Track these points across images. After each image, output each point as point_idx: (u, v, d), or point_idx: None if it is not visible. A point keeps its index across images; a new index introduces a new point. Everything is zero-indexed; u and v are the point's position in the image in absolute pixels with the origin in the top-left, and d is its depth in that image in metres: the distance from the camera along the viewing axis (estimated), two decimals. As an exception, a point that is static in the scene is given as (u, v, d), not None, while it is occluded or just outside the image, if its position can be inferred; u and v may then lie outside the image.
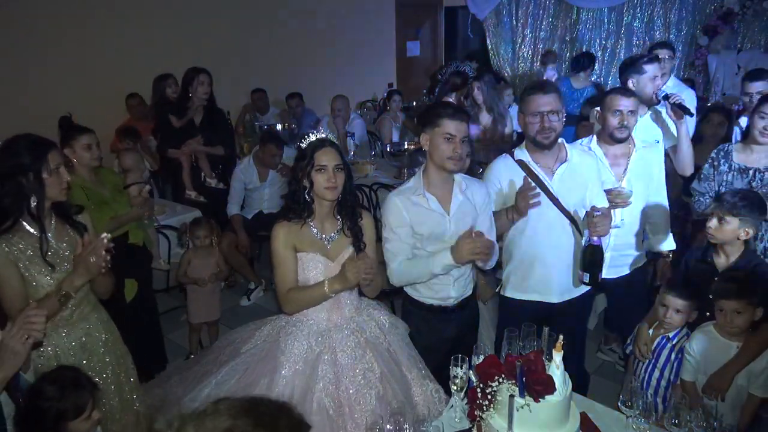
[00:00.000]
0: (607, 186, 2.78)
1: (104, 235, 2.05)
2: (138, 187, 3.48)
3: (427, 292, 2.52)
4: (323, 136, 2.27)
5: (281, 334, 2.29)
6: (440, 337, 2.53)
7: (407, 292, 2.59)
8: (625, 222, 2.89)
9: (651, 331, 2.61)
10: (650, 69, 3.26)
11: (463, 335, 2.55)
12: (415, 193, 2.42)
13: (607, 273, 2.94)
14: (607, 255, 2.92)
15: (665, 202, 3.01)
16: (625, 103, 2.77)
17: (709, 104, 5.35)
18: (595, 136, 2.95)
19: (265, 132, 5.49)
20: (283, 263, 2.25)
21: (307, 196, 2.24)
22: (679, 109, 3.11)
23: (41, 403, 1.79)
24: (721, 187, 2.99)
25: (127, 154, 3.79)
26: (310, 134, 2.26)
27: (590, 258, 2.41)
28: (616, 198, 2.76)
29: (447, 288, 2.49)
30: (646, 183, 2.90)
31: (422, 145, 2.42)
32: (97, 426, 1.95)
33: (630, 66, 3.37)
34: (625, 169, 2.87)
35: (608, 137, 2.85)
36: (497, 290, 2.86)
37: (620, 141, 2.84)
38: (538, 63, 8.23)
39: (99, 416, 1.93)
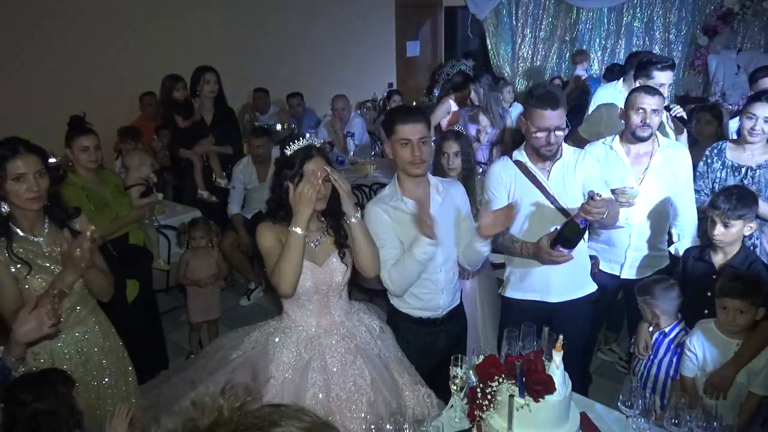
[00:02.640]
0: (619, 185, 2.77)
1: (91, 228, 2.03)
2: (139, 188, 3.47)
3: (416, 303, 2.45)
4: (309, 142, 2.17)
5: (269, 342, 2.24)
6: (430, 349, 2.48)
7: (394, 305, 2.52)
8: (630, 222, 2.86)
9: (651, 329, 2.64)
10: (658, 76, 3.28)
11: (452, 346, 2.48)
12: (392, 200, 2.38)
13: (628, 273, 2.97)
14: (628, 255, 2.93)
15: (692, 206, 2.94)
16: (648, 101, 2.75)
17: (693, 106, 5.35)
18: (617, 135, 2.93)
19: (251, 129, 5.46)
20: (274, 253, 2.14)
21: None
22: (679, 122, 3.16)
23: (40, 405, 1.74)
24: (714, 185, 3.04)
25: (133, 154, 3.77)
26: (296, 141, 2.17)
27: (567, 232, 2.29)
28: (620, 197, 2.74)
29: (437, 296, 2.45)
30: (668, 184, 2.86)
31: (387, 155, 2.38)
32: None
33: (641, 69, 3.39)
34: (646, 168, 2.84)
35: (630, 135, 2.83)
36: (498, 291, 2.86)
37: (642, 140, 2.80)
38: (564, 61, 8.26)
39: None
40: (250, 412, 0.87)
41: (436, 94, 7.26)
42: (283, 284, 2.10)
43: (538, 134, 2.43)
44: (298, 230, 2.04)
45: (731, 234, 2.50)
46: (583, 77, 7.18)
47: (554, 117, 2.39)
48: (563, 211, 2.52)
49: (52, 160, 3.94)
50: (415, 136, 2.25)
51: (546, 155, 2.48)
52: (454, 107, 5.31)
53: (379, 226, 2.34)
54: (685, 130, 3.36)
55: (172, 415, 2.09)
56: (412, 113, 2.32)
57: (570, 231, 2.29)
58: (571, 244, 2.33)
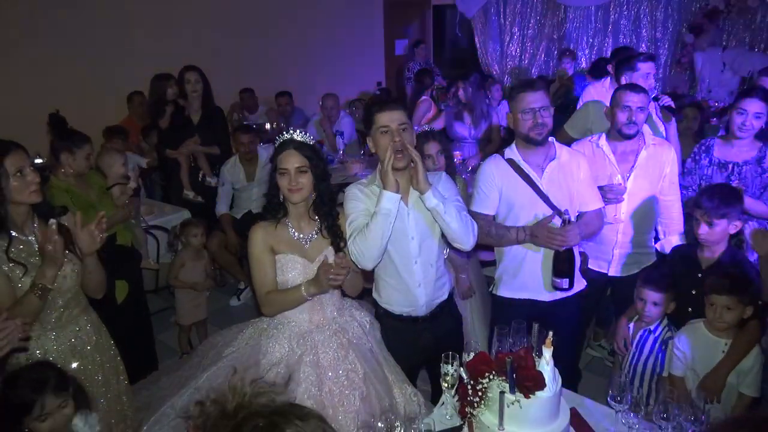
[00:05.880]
0: (606, 182, 2.80)
1: (51, 221, 2.03)
2: (120, 187, 3.44)
3: (393, 296, 2.40)
4: (289, 136, 2.21)
5: (262, 337, 2.26)
6: (412, 347, 2.42)
7: (376, 300, 2.48)
8: (619, 218, 2.88)
9: (632, 326, 2.65)
10: (643, 67, 3.33)
11: (439, 340, 2.37)
12: (371, 184, 2.35)
13: (614, 271, 2.99)
14: (615, 253, 2.95)
15: (678, 203, 2.96)
16: (633, 99, 2.77)
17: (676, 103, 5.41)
18: (604, 133, 2.95)
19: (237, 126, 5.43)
20: (261, 265, 2.22)
21: (281, 197, 2.23)
22: (668, 111, 3.19)
23: (9, 391, 1.77)
24: (702, 181, 3.05)
25: (103, 154, 3.71)
26: (283, 134, 2.22)
27: (563, 263, 2.46)
28: (608, 193, 2.78)
29: (413, 290, 2.35)
30: (654, 181, 2.88)
31: (371, 149, 2.34)
32: None
33: (624, 64, 3.43)
34: (632, 166, 2.85)
35: (617, 133, 2.85)
36: (490, 289, 2.86)
37: (628, 137, 2.82)
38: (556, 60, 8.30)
39: (51, 425, 1.82)
40: (270, 404, 1.03)
41: (408, 93, 7.22)
42: (269, 310, 2.26)
43: (524, 116, 2.45)
44: (304, 293, 2.17)
45: (716, 233, 2.50)
46: (569, 73, 7.22)
47: (536, 97, 2.43)
48: (556, 211, 2.52)
49: (38, 160, 3.93)
50: (394, 122, 2.21)
51: (536, 140, 2.47)
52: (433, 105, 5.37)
53: (352, 202, 2.32)
54: (674, 119, 3.38)
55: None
56: (388, 101, 2.31)
57: (563, 260, 2.45)
58: (563, 273, 2.48)
